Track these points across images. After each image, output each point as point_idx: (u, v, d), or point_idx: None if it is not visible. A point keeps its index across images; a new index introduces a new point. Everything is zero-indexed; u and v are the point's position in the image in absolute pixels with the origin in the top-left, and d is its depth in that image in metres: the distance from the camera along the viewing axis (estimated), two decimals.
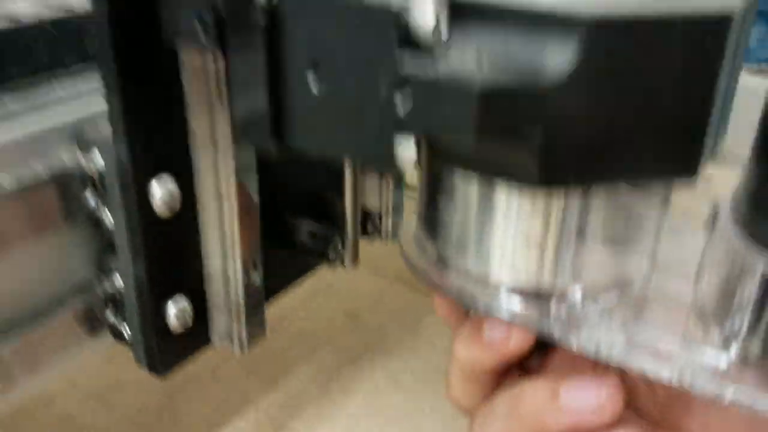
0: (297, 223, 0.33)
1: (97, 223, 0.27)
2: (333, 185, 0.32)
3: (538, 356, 0.29)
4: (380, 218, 0.35)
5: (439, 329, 0.55)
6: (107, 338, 0.30)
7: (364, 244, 0.35)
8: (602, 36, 0.18)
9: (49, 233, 0.26)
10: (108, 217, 0.27)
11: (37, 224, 0.26)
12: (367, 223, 0.35)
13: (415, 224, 0.28)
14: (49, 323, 0.28)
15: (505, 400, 0.26)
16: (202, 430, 0.44)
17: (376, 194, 0.35)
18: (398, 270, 0.62)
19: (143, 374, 0.48)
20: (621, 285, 0.25)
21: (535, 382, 0.26)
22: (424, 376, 0.50)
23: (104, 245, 0.28)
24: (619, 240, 0.24)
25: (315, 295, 0.58)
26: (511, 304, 0.25)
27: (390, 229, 0.35)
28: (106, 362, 0.49)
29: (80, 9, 0.28)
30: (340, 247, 0.33)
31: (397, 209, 0.35)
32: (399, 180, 0.35)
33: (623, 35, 0.19)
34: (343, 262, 0.34)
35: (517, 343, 0.25)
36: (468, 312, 0.28)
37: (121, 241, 0.26)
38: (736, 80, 0.23)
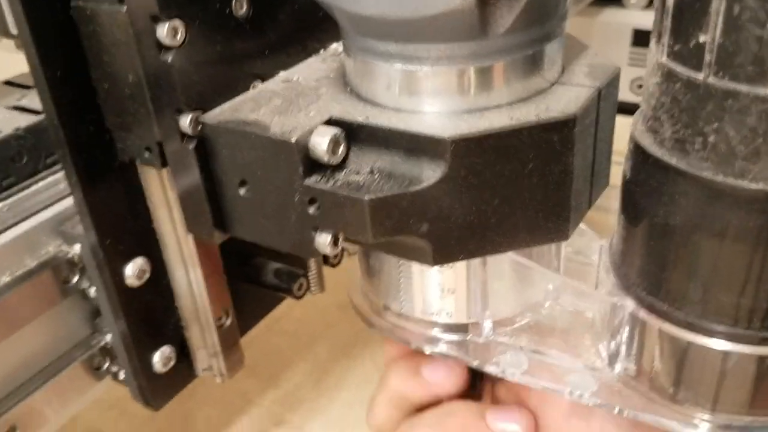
0: (264, 264, 0.37)
1: (84, 294, 0.32)
2: None
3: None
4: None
5: None
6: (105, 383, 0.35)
7: None
8: (462, 149, 0.22)
9: (49, 308, 0.31)
10: (92, 290, 0.32)
11: (40, 303, 0.31)
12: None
13: (358, 275, 0.32)
14: (63, 375, 0.33)
15: (435, 412, 0.30)
16: (212, 429, 0.50)
17: None
18: None
19: None
20: (530, 309, 0.30)
21: (465, 403, 0.30)
22: None
23: (93, 311, 0.33)
24: (522, 275, 0.29)
25: None
26: (436, 341, 0.29)
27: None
28: None
29: None
30: (304, 282, 0.38)
31: None
32: None
33: (479, 146, 0.22)
34: (308, 292, 0.38)
35: (453, 385, 0.30)
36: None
37: (105, 308, 0.31)
38: (609, 143, 0.26)
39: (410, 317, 0.29)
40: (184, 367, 0.35)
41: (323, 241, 0.25)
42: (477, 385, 0.33)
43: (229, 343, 0.35)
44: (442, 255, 0.24)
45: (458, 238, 0.24)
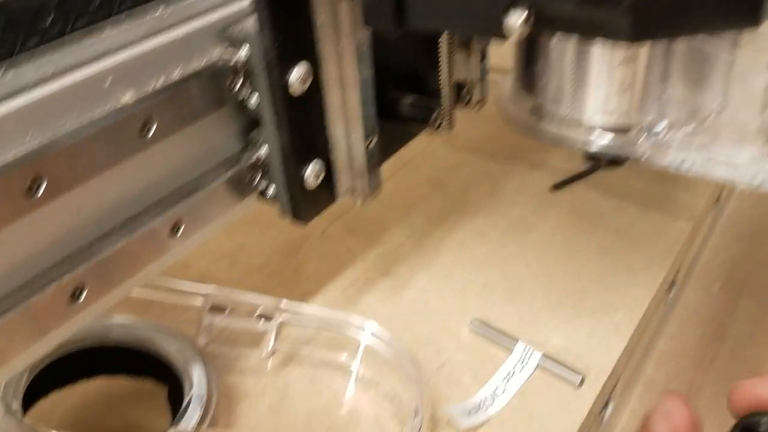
0: (401, 97, 0.38)
1: (242, 105, 0.33)
2: (429, 62, 0.37)
3: None
4: (470, 88, 0.40)
5: (516, 189, 0.61)
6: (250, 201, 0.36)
7: None
8: None
9: (208, 113, 0.32)
10: (252, 100, 0.32)
11: (194, 110, 0.31)
12: (460, 93, 0.39)
13: (510, 83, 0.32)
14: (205, 192, 0.34)
15: None
16: (321, 277, 0.52)
17: (464, 69, 0.39)
18: (471, 142, 0.67)
19: (262, 237, 0.56)
20: (699, 118, 0.29)
21: None
22: (506, 229, 0.56)
23: (249, 123, 0.34)
24: (696, 79, 0.28)
25: (399, 168, 0.64)
26: (605, 139, 0.29)
27: (479, 97, 0.40)
28: (228, 230, 0.56)
29: None
30: (437, 115, 0.38)
31: (484, 80, 0.39)
32: (484, 56, 0.39)
33: None
34: (441, 128, 0.38)
35: None
36: None
37: (266, 114, 0.32)
38: None
39: (578, 120, 0.29)
40: (328, 190, 0.36)
41: (515, 19, 0.24)
42: None
43: (374, 164, 0.35)
44: (641, 30, 0.24)
45: (659, 12, 0.24)
